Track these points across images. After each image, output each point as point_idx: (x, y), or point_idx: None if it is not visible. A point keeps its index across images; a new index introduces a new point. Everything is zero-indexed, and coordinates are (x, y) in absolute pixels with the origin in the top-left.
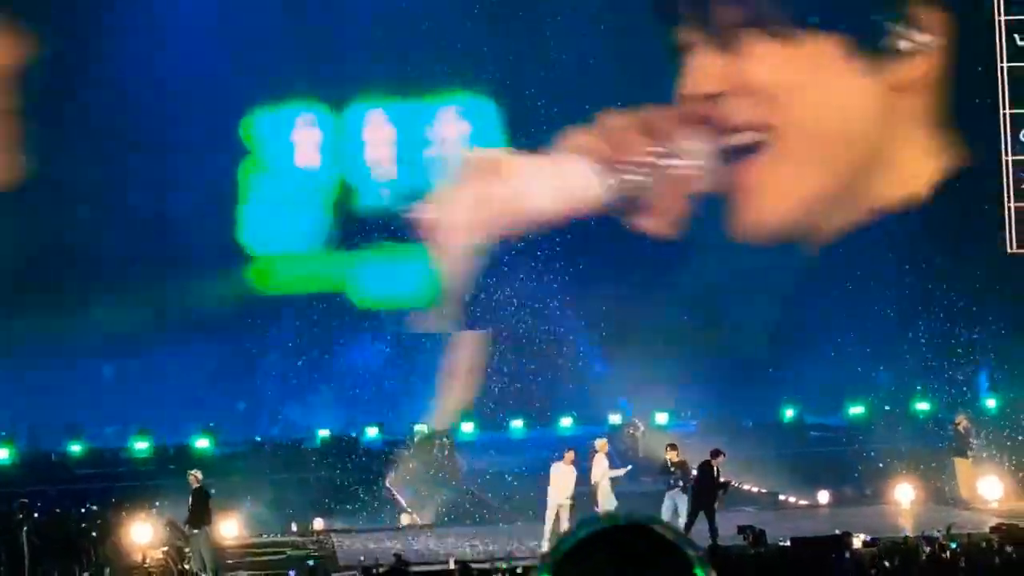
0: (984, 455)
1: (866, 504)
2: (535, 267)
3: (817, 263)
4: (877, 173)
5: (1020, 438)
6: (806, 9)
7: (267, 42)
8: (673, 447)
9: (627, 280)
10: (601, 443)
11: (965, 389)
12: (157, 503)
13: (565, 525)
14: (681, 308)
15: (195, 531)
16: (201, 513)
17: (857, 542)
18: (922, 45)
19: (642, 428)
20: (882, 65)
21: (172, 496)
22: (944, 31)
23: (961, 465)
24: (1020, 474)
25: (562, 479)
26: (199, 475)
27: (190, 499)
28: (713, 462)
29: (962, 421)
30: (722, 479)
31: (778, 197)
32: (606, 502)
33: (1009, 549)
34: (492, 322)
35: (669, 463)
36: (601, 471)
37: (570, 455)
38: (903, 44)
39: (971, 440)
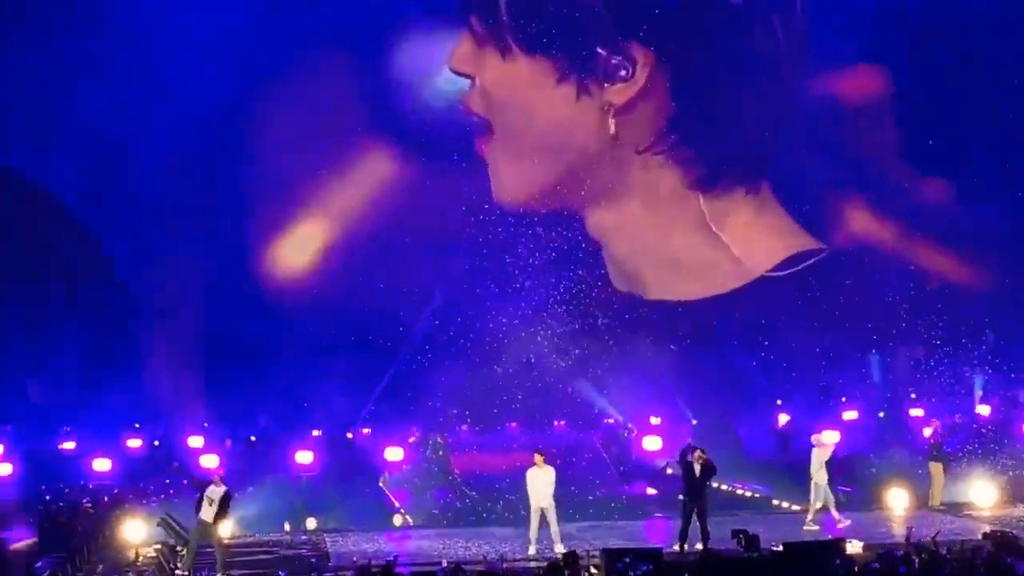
0: (967, 461)
1: (859, 510)
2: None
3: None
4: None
5: (1018, 445)
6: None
7: None
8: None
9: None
10: (816, 438)
11: (958, 395)
12: (152, 502)
13: (554, 528)
14: (667, 312)
15: (214, 526)
16: (226, 512)
17: (850, 548)
18: (629, 76)
19: (636, 431)
20: (591, 88)
21: (164, 494)
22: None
23: (934, 470)
24: (1012, 479)
25: (538, 482)
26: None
27: (218, 497)
28: (691, 459)
29: (934, 426)
30: (700, 469)
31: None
32: (819, 497)
33: (1002, 557)
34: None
35: (695, 467)
36: (818, 464)
37: (539, 457)
38: (613, 73)
39: (942, 446)
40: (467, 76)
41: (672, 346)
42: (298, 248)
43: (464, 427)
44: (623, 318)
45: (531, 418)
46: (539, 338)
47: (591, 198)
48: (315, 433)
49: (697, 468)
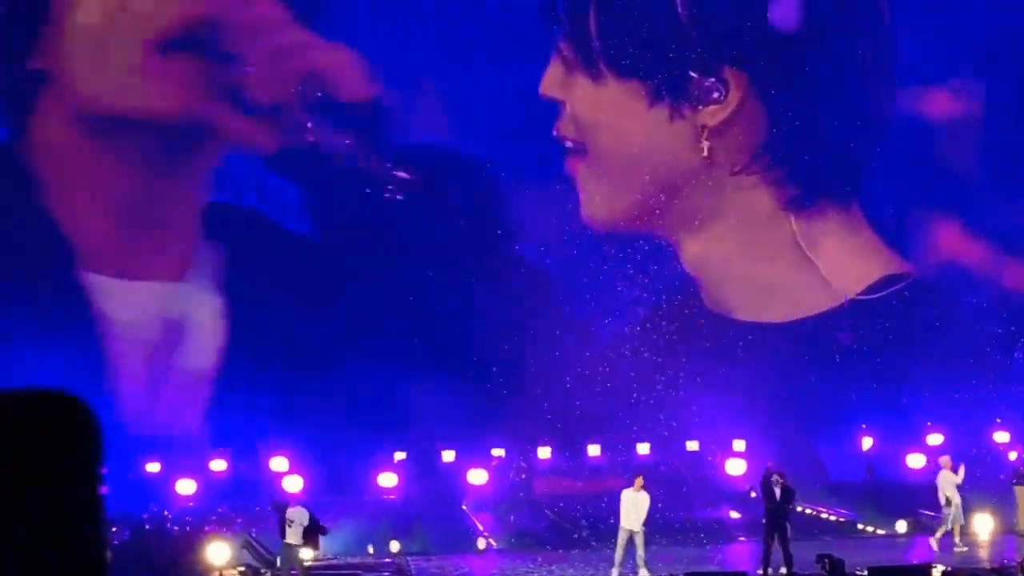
0: None
1: (944, 535)
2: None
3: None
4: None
5: None
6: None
7: None
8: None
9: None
10: (944, 459)
11: None
12: (237, 523)
13: (640, 553)
14: (754, 333)
15: (300, 548)
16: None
17: (936, 573)
18: (722, 98)
19: (719, 454)
20: (684, 111)
21: (248, 516)
22: (742, 89)
23: (1019, 494)
24: None
25: (632, 505)
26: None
27: (300, 519)
28: (770, 480)
29: (1019, 451)
30: (780, 493)
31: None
32: (958, 517)
33: None
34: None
35: (775, 490)
36: (950, 487)
37: (639, 481)
38: (706, 95)
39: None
40: (558, 101)
41: (756, 368)
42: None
43: (547, 449)
44: (709, 339)
45: (613, 440)
46: (624, 359)
47: (683, 219)
48: (399, 456)
49: (777, 492)
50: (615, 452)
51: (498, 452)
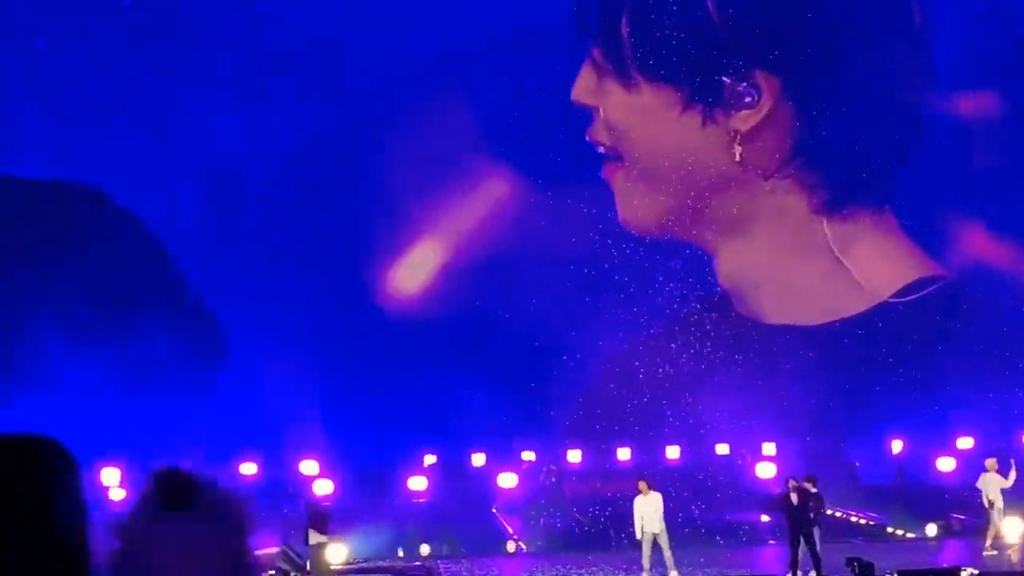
0: None
1: (974, 537)
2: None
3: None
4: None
5: None
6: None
7: None
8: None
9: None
10: (991, 462)
11: None
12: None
13: (667, 554)
14: (784, 336)
15: (326, 547)
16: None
17: None
18: (754, 103)
19: (749, 458)
20: (716, 116)
21: (278, 519)
22: (774, 93)
23: None
24: None
25: (645, 510)
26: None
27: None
28: (787, 489)
29: None
30: (797, 499)
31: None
32: (1002, 522)
33: None
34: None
35: (792, 496)
36: (994, 490)
37: (643, 485)
38: (738, 101)
39: None
40: (590, 107)
41: (786, 371)
42: (415, 269)
43: (577, 452)
44: (740, 343)
45: (643, 443)
46: (653, 361)
47: (716, 224)
48: (429, 459)
49: (794, 498)
50: (645, 455)
51: (528, 455)
